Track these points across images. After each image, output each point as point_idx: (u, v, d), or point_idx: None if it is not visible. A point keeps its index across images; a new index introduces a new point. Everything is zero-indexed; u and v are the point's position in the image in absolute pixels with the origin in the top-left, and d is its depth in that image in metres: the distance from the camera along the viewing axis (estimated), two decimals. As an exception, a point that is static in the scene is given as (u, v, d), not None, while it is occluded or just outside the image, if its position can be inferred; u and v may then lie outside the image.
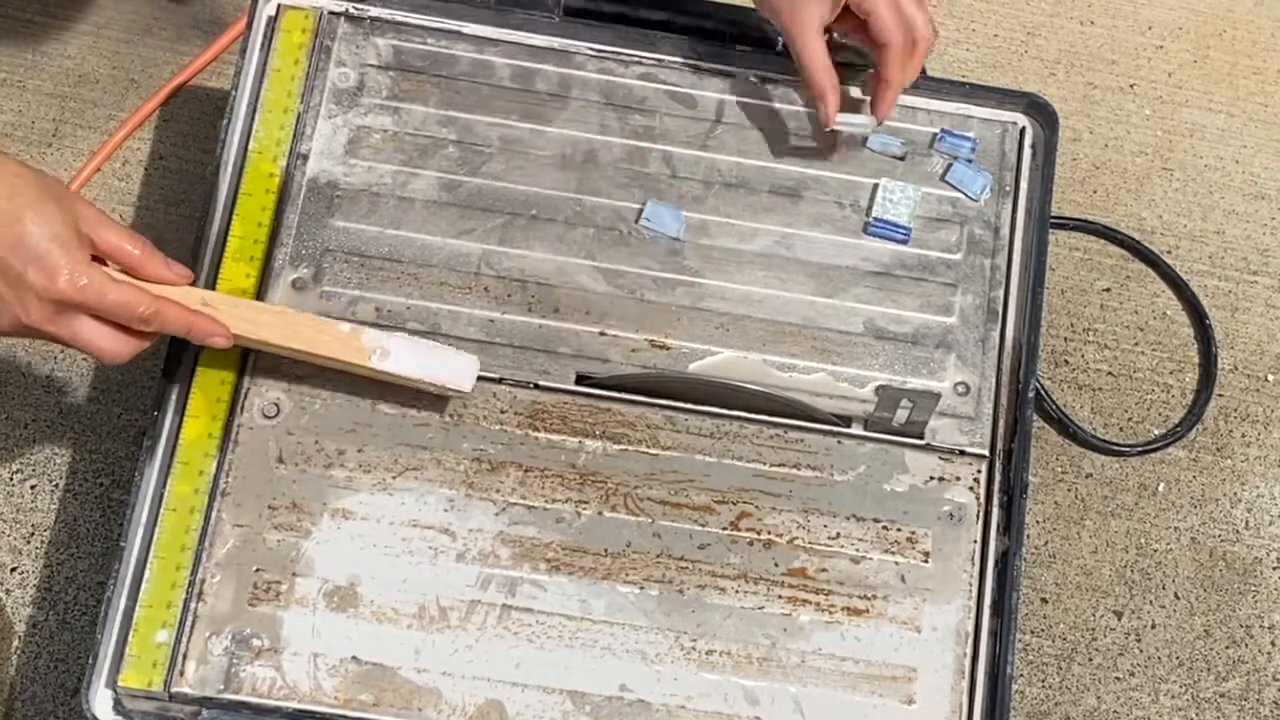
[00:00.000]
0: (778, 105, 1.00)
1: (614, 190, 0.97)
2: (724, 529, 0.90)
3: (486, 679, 0.85)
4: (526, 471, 0.90)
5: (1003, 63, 1.24)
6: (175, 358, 0.90)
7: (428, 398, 0.90)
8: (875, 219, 0.97)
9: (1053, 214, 1.00)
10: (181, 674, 0.84)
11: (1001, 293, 0.97)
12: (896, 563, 0.90)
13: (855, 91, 0.99)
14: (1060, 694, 1.04)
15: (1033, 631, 1.06)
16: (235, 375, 0.90)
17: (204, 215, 0.93)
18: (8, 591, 1.00)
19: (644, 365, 0.93)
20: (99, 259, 0.82)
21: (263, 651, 0.85)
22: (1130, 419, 1.13)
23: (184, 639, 0.84)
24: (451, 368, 0.88)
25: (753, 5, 0.97)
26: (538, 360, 0.92)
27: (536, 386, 0.92)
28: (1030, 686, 1.04)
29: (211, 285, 0.91)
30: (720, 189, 0.98)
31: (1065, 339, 1.15)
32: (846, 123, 0.96)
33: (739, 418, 0.92)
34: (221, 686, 0.84)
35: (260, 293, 0.91)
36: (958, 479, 0.92)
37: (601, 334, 0.94)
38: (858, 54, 0.97)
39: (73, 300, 0.79)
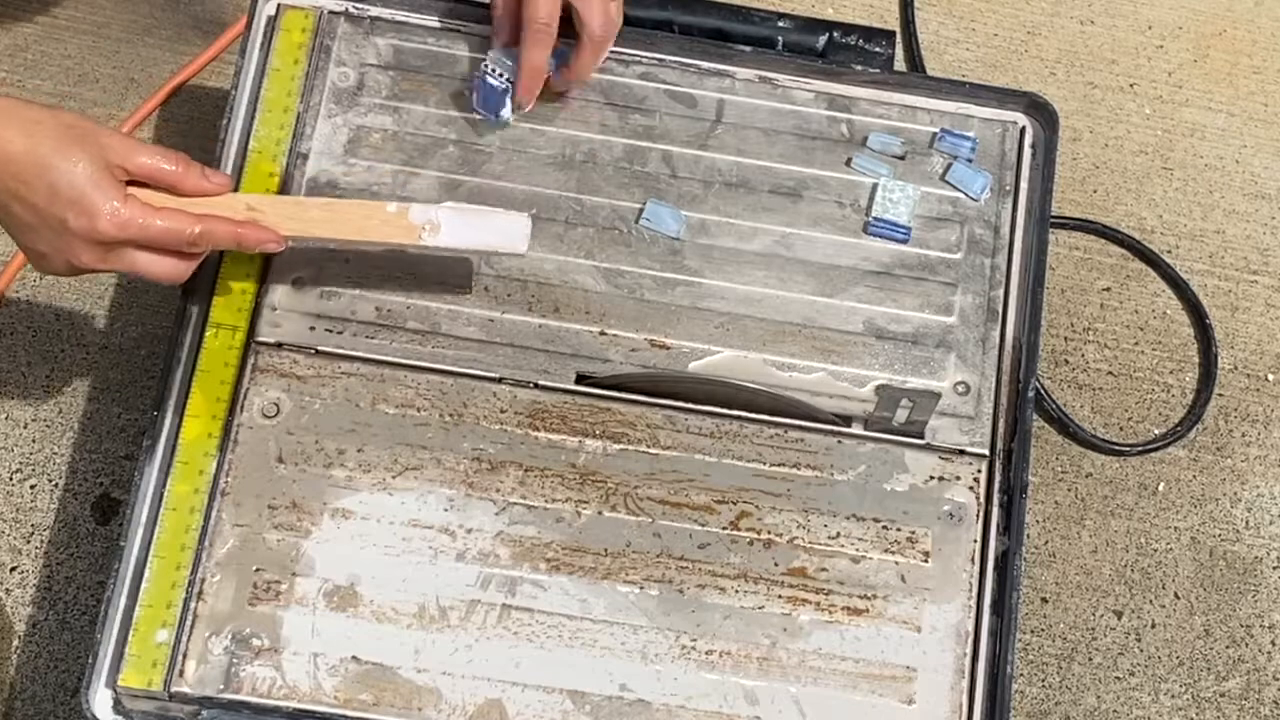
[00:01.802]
0: (778, 105, 1.00)
1: (614, 190, 0.97)
2: (724, 529, 0.90)
3: (486, 679, 0.85)
4: (526, 471, 0.90)
5: (1003, 62, 1.24)
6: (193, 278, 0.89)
7: (427, 398, 0.90)
8: (875, 219, 0.97)
9: (1053, 214, 1.00)
10: (181, 674, 0.84)
11: (1001, 292, 0.97)
12: (896, 562, 0.90)
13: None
14: (1060, 694, 1.04)
15: (1033, 631, 1.06)
16: (235, 375, 0.90)
17: (204, 215, 0.93)
18: (8, 591, 1.00)
19: (644, 365, 0.93)
20: (138, 182, 0.81)
21: (263, 651, 0.85)
22: (1130, 419, 1.13)
23: (184, 639, 0.84)
24: (503, 231, 0.87)
25: (753, 5, 0.97)
26: (538, 360, 0.92)
27: (536, 386, 0.92)
28: (1030, 686, 1.04)
29: (213, 281, 0.91)
30: (720, 189, 0.98)
31: (1065, 339, 1.15)
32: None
33: (739, 417, 0.92)
34: (221, 686, 0.84)
35: (260, 292, 0.91)
36: (958, 479, 0.92)
37: (601, 333, 0.94)
38: None
39: (118, 239, 0.78)
